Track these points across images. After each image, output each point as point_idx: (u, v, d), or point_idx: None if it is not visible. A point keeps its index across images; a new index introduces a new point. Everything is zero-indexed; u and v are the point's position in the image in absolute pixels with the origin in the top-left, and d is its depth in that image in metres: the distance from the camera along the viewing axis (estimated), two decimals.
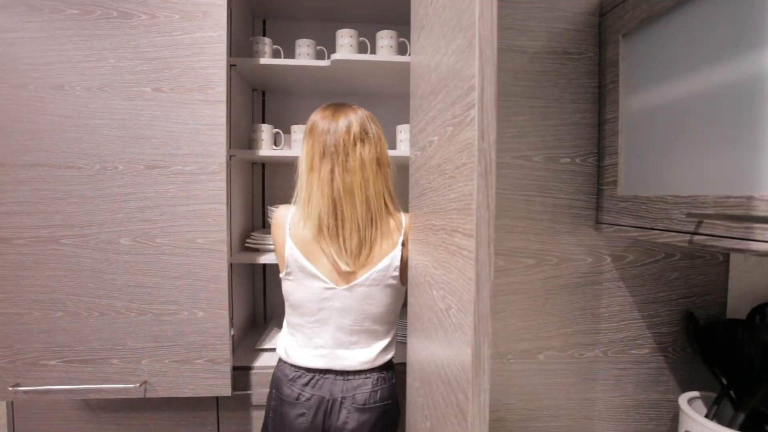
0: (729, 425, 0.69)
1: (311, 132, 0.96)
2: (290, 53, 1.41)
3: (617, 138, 0.79)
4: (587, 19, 0.84)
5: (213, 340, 1.12)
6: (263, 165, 1.63)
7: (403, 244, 0.97)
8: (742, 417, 0.71)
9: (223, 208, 1.11)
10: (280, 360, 1.03)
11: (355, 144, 0.92)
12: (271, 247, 1.36)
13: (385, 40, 1.34)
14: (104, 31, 1.08)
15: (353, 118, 0.94)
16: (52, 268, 1.09)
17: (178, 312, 1.12)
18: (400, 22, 1.46)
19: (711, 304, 0.88)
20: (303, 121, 1.48)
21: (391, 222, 0.97)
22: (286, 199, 1.66)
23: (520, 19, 0.82)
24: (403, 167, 1.54)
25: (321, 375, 0.97)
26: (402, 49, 1.36)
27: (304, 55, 1.36)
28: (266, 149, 1.36)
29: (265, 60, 1.30)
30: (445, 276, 0.57)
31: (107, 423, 1.23)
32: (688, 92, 0.64)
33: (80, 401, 1.22)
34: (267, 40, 1.36)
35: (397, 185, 1.66)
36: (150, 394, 1.12)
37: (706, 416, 0.73)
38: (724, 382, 0.78)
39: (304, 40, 1.37)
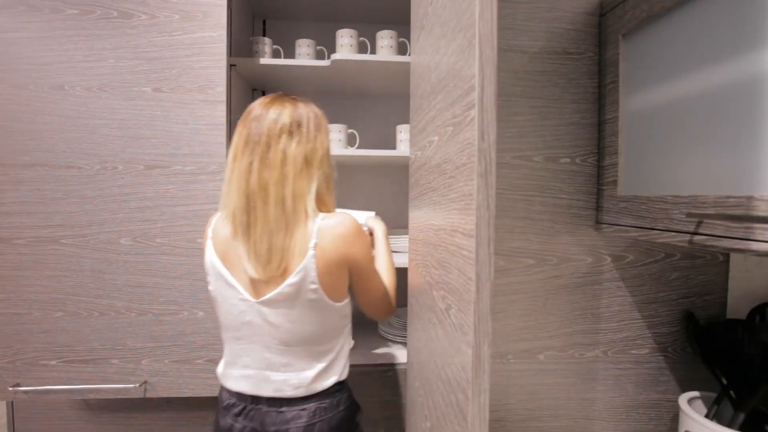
0: (729, 425, 0.69)
1: (244, 118, 0.85)
2: (290, 53, 1.41)
3: (617, 138, 0.79)
4: (587, 19, 0.84)
5: (213, 340, 1.12)
6: None
7: (317, 248, 0.79)
8: (742, 417, 0.71)
9: None
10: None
11: (280, 136, 0.81)
12: None
13: (385, 40, 1.34)
14: (104, 31, 1.08)
15: (289, 110, 0.83)
16: (52, 268, 1.09)
17: (178, 312, 1.12)
18: (400, 22, 1.46)
19: (711, 304, 0.88)
20: None
21: (309, 227, 0.81)
22: None
23: (520, 19, 0.82)
24: (403, 167, 1.55)
25: (253, 405, 0.85)
26: (402, 49, 1.36)
27: (304, 55, 1.36)
28: None
29: (265, 60, 1.30)
30: (445, 276, 0.57)
31: (107, 423, 1.23)
32: (688, 92, 0.64)
33: (80, 401, 1.22)
34: (267, 40, 1.36)
35: (397, 185, 1.67)
36: (150, 394, 1.12)
37: (706, 416, 0.73)
38: (724, 382, 0.78)
39: (304, 40, 1.37)
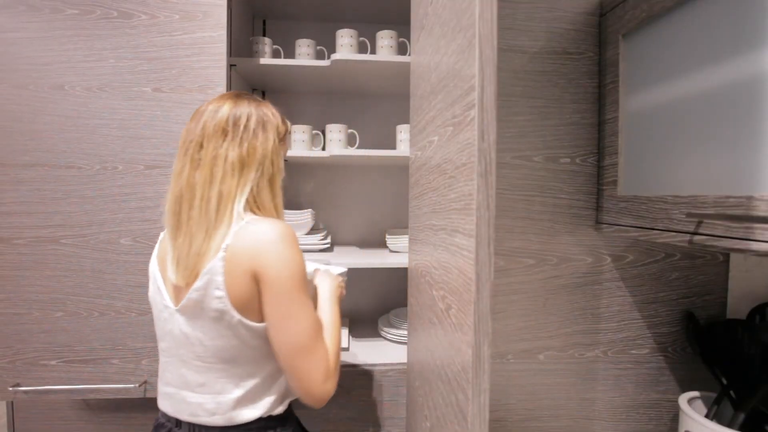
0: (729, 425, 0.69)
1: (193, 115, 0.80)
2: (290, 53, 1.41)
3: (617, 138, 0.79)
4: (587, 19, 0.84)
5: None
6: None
7: (228, 250, 0.69)
8: (742, 417, 0.71)
9: None
10: None
11: (214, 135, 0.75)
12: None
13: (385, 40, 1.34)
14: (104, 31, 1.08)
15: (227, 107, 0.77)
16: (52, 268, 1.09)
17: None
18: (400, 22, 1.46)
19: (711, 304, 0.88)
20: (303, 121, 1.49)
21: (231, 230, 0.72)
22: (286, 199, 1.67)
23: (520, 19, 0.82)
24: (403, 167, 1.55)
25: (177, 429, 0.77)
26: (402, 49, 1.36)
27: (304, 55, 1.36)
28: None
29: (265, 60, 1.30)
30: (445, 276, 0.57)
31: (107, 423, 1.23)
32: (688, 92, 0.64)
33: (80, 401, 1.22)
34: (267, 40, 1.36)
35: (397, 185, 1.67)
36: (150, 394, 1.12)
37: (706, 416, 0.73)
38: (724, 382, 0.78)
39: (304, 40, 1.37)
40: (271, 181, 0.79)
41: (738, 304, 0.87)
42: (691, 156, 0.63)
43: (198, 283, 0.70)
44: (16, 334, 1.09)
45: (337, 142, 1.37)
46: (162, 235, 0.82)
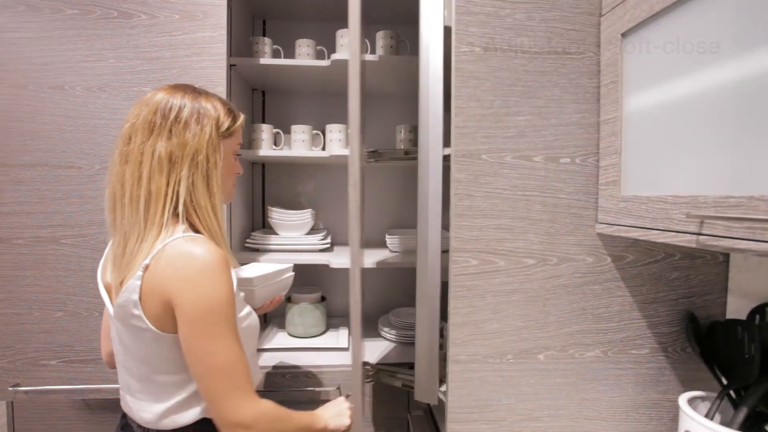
0: (729, 425, 0.69)
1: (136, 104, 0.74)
2: (290, 53, 1.41)
3: (617, 138, 0.79)
4: (587, 19, 0.83)
5: None
6: (263, 165, 1.63)
7: (147, 270, 0.65)
8: (741, 417, 0.71)
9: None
10: None
11: (141, 127, 0.69)
12: (273, 246, 1.36)
13: (385, 40, 1.34)
14: (104, 31, 1.08)
15: (158, 97, 0.71)
16: (52, 268, 1.09)
17: None
18: (400, 22, 1.46)
19: (711, 304, 0.88)
20: (303, 121, 1.48)
21: (157, 240, 0.67)
22: (287, 199, 1.67)
23: (520, 19, 0.82)
24: (403, 168, 1.54)
25: (126, 422, 0.77)
26: (402, 49, 1.36)
27: (304, 55, 1.36)
28: (266, 149, 1.35)
29: (265, 60, 1.30)
30: None
31: (107, 423, 1.23)
32: (688, 92, 0.64)
33: (80, 401, 1.22)
34: (267, 40, 1.36)
35: (397, 186, 1.67)
36: None
37: (706, 416, 0.73)
38: (724, 382, 0.78)
39: (304, 40, 1.36)
40: (207, 179, 0.72)
41: (738, 304, 0.87)
42: (691, 156, 0.63)
43: (119, 298, 0.67)
44: (16, 334, 1.09)
45: (337, 142, 1.37)
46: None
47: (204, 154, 0.71)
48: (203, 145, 0.71)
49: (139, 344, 0.70)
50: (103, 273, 0.77)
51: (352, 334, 0.86)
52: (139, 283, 0.65)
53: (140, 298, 0.66)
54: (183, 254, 0.65)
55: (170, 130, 0.69)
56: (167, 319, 0.67)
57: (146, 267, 0.65)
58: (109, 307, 0.73)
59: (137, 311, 0.66)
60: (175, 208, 0.69)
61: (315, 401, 1.16)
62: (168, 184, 0.68)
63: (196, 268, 0.65)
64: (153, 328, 0.67)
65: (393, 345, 1.35)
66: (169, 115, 0.70)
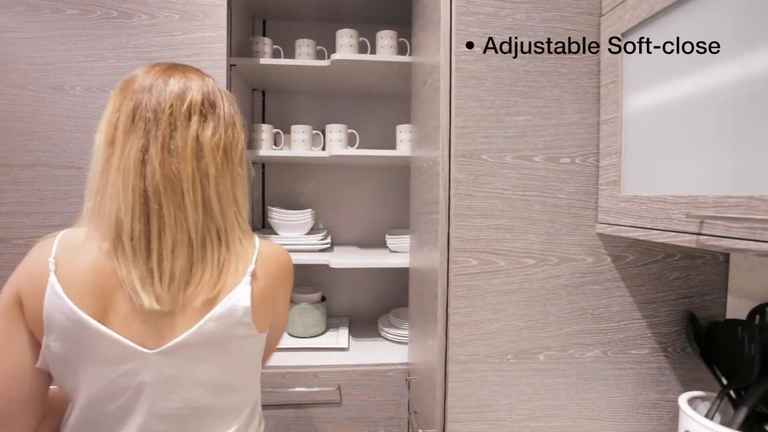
0: (729, 425, 0.69)
1: (123, 88, 0.61)
2: (290, 53, 1.41)
3: (617, 138, 0.79)
4: (587, 19, 0.83)
5: None
6: (263, 165, 1.63)
7: (253, 277, 0.63)
8: (741, 417, 0.71)
9: None
10: None
11: (189, 116, 0.59)
12: None
13: (385, 40, 1.34)
14: (104, 31, 1.08)
15: (196, 82, 0.62)
16: None
17: None
18: (400, 22, 1.46)
19: (711, 304, 0.88)
20: (303, 121, 1.48)
21: (242, 243, 0.64)
22: (287, 200, 1.67)
23: (520, 19, 0.82)
24: (403, 167, 1.54)
25: None
26: (402, 49, 1.36)
27: (304, 55, 1.36)
28: (266, 149, 1.35)
29: (265, 60, 1.30)
30: None
31: None
32: (688, 92, 0.64)
33: None
34: (267, 40, 1.36)
35: (397, 185, 1.67)
36: None
37: (706, 416, 0.73)
38: (724, 382, 0.78)
39: (304, 40, 1.37)
40: (239, 181, 0.67)
41: (738, 304, 0.87)
42: (691, 156, 0.63)
43: (221, 309, 0.60)
44: None
45: (337, 142, 1.37)
46: (51, 262, 0.56)
47: (243, 157, 0.68)
48: (241, 146, 0.67)
49: (226, 362, 0.63)
50: (101, 312, 0.57)
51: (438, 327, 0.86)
52: (249, 288, 0.62)
53: (252, 304, 0.62)
54: (282, 254, 0.70)
55: (223, 124, 0.63)
56: (266, 318, 0.67)
57: (252, 272, 0.63)
58: (134, 346, 0.57)
59: (247, 318, 0.62)
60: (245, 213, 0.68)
61: (315, 401, 1.16)
62: (235, 187, 0.65)
63: (291, 266, 0.73)
64: (256, 331, 0.64)
65: (393, 345, 1.35)
66: (217, 104, 0.64)
